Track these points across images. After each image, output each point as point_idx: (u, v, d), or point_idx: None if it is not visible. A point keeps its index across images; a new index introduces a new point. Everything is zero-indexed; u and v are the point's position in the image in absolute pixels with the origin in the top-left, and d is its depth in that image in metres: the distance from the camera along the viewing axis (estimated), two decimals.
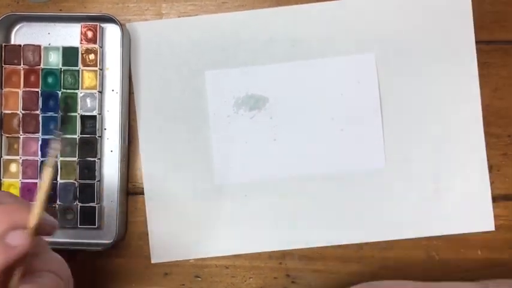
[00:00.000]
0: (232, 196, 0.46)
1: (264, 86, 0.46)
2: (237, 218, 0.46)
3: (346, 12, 0.46)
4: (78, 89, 0.45)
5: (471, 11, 0.46)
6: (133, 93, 0.46)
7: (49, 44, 0.46)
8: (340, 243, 0.46)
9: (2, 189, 0.45)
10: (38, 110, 0.45)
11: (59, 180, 0.45)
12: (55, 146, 0.31)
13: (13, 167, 0.45)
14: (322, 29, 0.46)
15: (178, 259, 0.46)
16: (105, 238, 0.45)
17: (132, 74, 0.46)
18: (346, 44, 0.46)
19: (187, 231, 0.46)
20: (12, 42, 0.46)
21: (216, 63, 0.46)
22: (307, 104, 0.46)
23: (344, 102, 0.46)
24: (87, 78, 0.45)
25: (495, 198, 0.45)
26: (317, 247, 0.46)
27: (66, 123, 0.33)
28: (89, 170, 0.45)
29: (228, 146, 0.46)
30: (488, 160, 0.46)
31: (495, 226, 0.45)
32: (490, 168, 0.46)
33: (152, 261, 0.46)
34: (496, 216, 0.45)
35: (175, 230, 0.46)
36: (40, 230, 0.29)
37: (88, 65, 0.45)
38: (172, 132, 0.46)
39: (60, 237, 0.46)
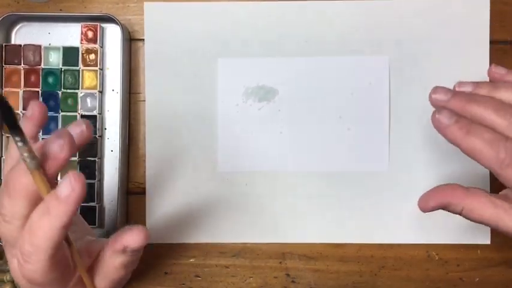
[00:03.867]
0: (232, 185, 0.46)
1: (275, 79, 0.46)
2: (237, 207, 0.46)
3: (364, 13, 0.46)
4: (78, 88, 0.45)
5: (489, 21, 0.45)
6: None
7: (49, 44, 0.46)
8: (338, 242, 0.46)
9: None
10: None
11: (60, 180, 0.45)
12: (23, 152, 0.27)
13: None
14: (339, 27, 0.46)
15: (176, 242, 0.46)
16: (105, 238, 0.45)
17: (146, 52, 0.46)
18: (361, 45, 0.46)
19: (187, 216, 0.46)
20: (13, 42, 0.46)
21: (229, 51, 0.46)
22: (316, 100, 0.46)
23: (354, 101, 0.46)
24: (88, 78, 0.45)
25: None
26: (317, 247, 0.46)
27: (13, 126, 0.27)
28: (89, 169, 0.45)
29: (233, 135, 0.46)
30: None
31: None
32: None
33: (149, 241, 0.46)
34: None
35: (175, 214, 0.46)
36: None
37: (88, 65, 0.45)
38: (179, 115, 0.46)
39: None
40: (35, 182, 0.28)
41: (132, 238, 0.32)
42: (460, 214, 0.35)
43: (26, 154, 0.27)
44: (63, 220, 0.28)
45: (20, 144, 0.27)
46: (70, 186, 0.28)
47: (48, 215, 0.28)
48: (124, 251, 0.33)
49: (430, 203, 0.35)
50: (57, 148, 0.29)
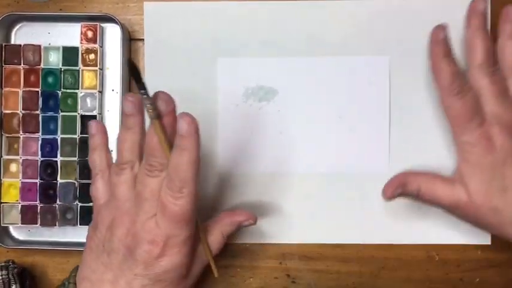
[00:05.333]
0: (232, 185, 0.46)
1: (275, 79, 0.46)
2: (237, 207, 0.46)
3: (364, 13, 0.46)
4: (78, 88, 0.45)
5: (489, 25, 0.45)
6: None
7: (49, 44, 0.46)
8: (338, 242, 0.46)
9: (2, 190, 0.45)
10: (38, 109, 0.45)
11: (59, 180, 0.45)
12: (146, 103, 0.34)
13: (13, 167, 0.45)
14: (339, 27, 0.46)
15: None
16: None
17: (145, 52, 0.46)
18: (361, 45, 0.46)
19: None
20: (12, 42, 0.46)
21: (229, 51, 0.46)
22: (316, 100, 0.46)
23: (354, 102, 0.46)
24: (87, 78, 0.45)
25: None
26: (317, 248, 0.46)
27: (139, 81, 0.34)
28: (89, 169, 0.45)
29: (233, 135, 0.46)
30: None
31: None
32: None
33: None
34: None
35: None
36: None
37: (88, 65, 0.45)
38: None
39: (60, 237, 0.46)
40: (155, 131, 0.34)
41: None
42: (417, 196, 0.41)
43: (148, 105, 0.34)
44: (195, 152, 0.34)
45: (144, 96, 0.34)
46: (185, 122, 0.34)
47: (182, 151, 0.34)
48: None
49: (389, 189, 0.41)
50: (165, 105, 0.35)
